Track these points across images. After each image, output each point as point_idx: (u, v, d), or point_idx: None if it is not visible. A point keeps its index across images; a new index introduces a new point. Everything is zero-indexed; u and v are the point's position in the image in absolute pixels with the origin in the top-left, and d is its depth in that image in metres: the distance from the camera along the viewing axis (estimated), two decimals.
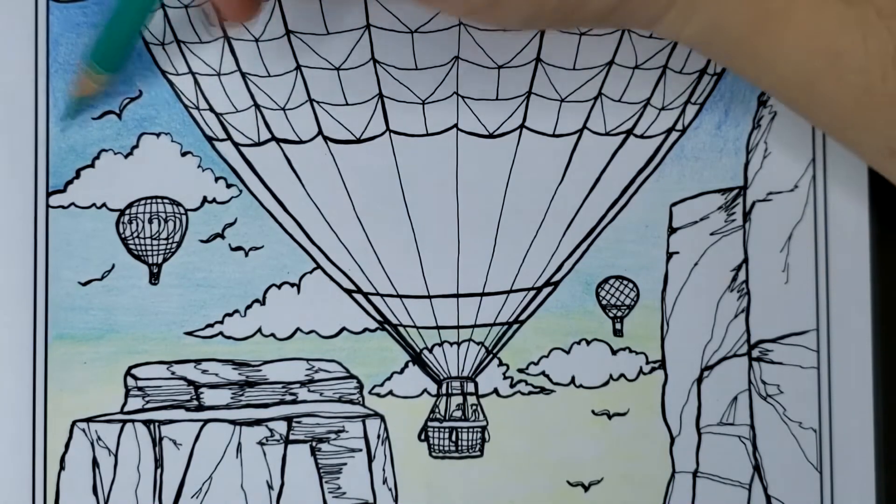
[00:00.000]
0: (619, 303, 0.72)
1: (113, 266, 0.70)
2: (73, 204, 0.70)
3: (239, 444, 0.70)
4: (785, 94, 0.63)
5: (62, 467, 0.69)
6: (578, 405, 0.72)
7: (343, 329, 0.71)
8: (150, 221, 0.70)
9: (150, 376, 0.70)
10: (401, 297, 0.72)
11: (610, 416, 0.72)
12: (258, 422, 0.71)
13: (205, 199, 0.71)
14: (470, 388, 0.72)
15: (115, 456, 0.70)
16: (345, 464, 0.71)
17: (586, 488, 0.72)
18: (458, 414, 0.72)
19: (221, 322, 0.70)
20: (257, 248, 0.71)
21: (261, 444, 0.70)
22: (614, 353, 0.72)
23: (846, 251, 0.73)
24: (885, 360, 0.73)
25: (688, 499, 0.72)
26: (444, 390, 0.72)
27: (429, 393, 0.72)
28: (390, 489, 0.71)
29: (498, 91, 0.71)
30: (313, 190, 0.71)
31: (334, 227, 0.71)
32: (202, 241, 0.71)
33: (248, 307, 0.71)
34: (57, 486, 0.69)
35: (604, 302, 0.72)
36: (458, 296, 0.72)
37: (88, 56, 0.66)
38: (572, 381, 0.72)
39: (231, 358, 0.71)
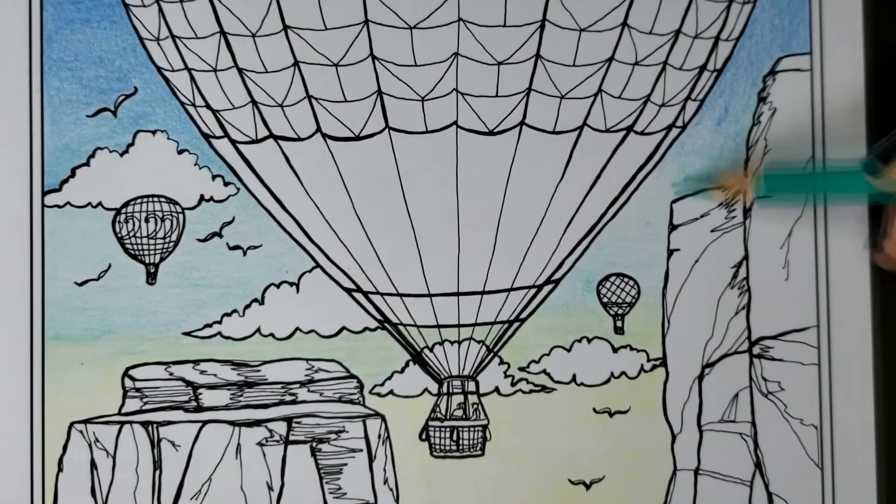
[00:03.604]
0: (620, 300, 0.72)
1: (109, 266, 0.69)
2: (68, 203, 0.69)
3: (238, 444, 0.70)
4: None
5: (60, 469, 0.68)
6: (580, 403, 0.72)
7: (343, 328, 0.71)
8: (147, 220, 0.70)
9: (148, 377, 0.69)
10: (401, 295, 0.71)
11: (611, 414, 0.72)
12: (258, 422, 0.70)
13: (202, 198, 0.70)
14: (471, 386, 0.72)
15: (114, 457, 0.69)
16: (345, 464, 0.70)
17: (588, 486, 0.71)
18: (459, 413, 0.71)
19: (220, 322, 0.70)
20: (256, 247, 0.70)
21: (260, 444, 0.70)
22: (615, 350, 0.72)
23: (846, 248, 0.73)
24: (886, 356, 0.73)
25: (689, 496, 0.72)
26: (444, 389, 0.71)
27: (430, 392, 0.71)
28: (391, 489, 0.71)
29: (498, 88, 0.71)
30: (312, 188, 0.71)
31: (333, 226, 0.71)
32: (200, 240, 0.70)
33: (247, 307, 0.70)
34: (55, 487, 0.68)
35: (605, 299, 0.72)
36: (458, 294, 0.71)
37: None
38: (573, 379, 0.72)
39: (230, 358, 0.70)
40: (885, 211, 0.68)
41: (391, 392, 0.71)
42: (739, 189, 0.70)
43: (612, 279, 0.72)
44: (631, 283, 0.72)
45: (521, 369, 0.72)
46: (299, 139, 0.70)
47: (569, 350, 0.72)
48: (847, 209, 0.73)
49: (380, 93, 0.70)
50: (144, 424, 0.69)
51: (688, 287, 0.73)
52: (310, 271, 0.71)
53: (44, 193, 0.69)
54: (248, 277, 0.70)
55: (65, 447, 0.68)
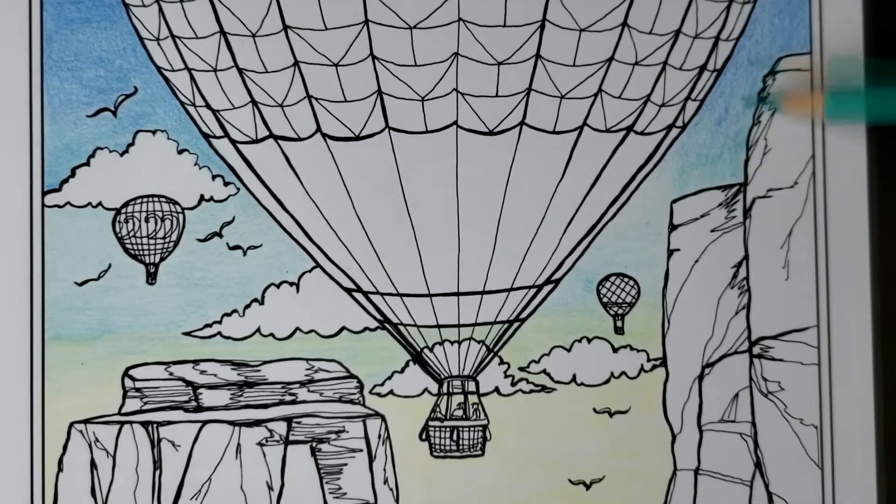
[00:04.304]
0: (620, 300, 0.72)
1: (109, 266, 0.69)
2: (68, 203, 0.69)
3: (238, 444, 0.70)
4: None
5: (60, 469, 0.68)
6: (580, 403, 0.72)
7: (343, 328, 0.71)
8: (147, 220, 0.70)
9: (148, 377, 0.69)
10: (401, 295, 0.71)
11: (611, 414, 0.72)
12: (258, 422, 0.70)
13: (202, 198, 0.70)
14: (471, 386, 0.72)
15: (114, 457, 0.69)
16: (345, 464, 0.70)
17: (588, 486, 0.72)
18: (459, 413, 0.71)
19: (220, 322, 0.70)
20: (256, 247, 0.70)
21: (260, 444, 0.70)
22: (615, 350, 0.72)
23: (846, 247, 0.73)
24: (886, 355, 0.73)
25: (689, 496, 0.72)
26: (445, 389, 0.72)
27: (430, 392, 0.71)
28: (391, 489, 0.71)
29: (498, 87, 0.71)
30: (312, 188, 0.71)
31: (333, 226, 0.71)
32: (200, 240, 0.70)
33: (247, 307, 0.70)
34: (55, 487, 0.68)
35: (605, 299, 0.72)
36: (458, 294, 0.71)
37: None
38: (573, 379, 0.72)
39: (230, 358, 0.70)
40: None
41: (391, 392, 0.71)
42: (810, 107, 0.69)
43: (612, 279, 0.72)
44: (631, 283, 0.72)
45: (521, 369, 0.72)
46: (299, 139, 0.71)
47: (569, 350, 0.72)
48: (847, 211, 0.73)
49: (380, 93, 0.70)
50: (144, 424, 0.69)
51: (688, 287, 0.73)
52: (310, 271, 0.71)
53: (44, 193, 0.69)
54: (248, 277, 0.70)
55: (65, 447, 0.68)
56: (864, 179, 0.73)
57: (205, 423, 0.70)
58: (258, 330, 0.70)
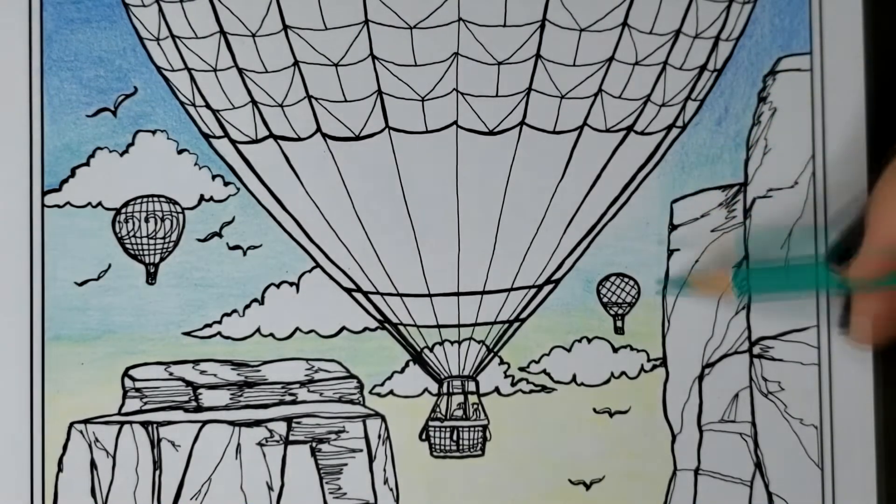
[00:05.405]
0: (620, 300, 0.72)
1: (109, 266, 0.69)
2: (68, 203, 0.69)
3: (238, 445, 0.70)
4: None
5: (60, 469, 0.68)
6: (580, 403, 0.72)
7: (343, 328, 0.71)
8: (147, 220, 0.70)
9: (148, 377, 0.69)
10: (401, 295, 0.71)
11: (611, 414, 0.72)
12: (257, 422, 0.70)
13: (202, 198, 0.70)
14: (471, 386, 0.72)
15: (114, 458, 0.69)
16: (345, 464, 0.70)
17: (588, 486, 0.72)
18: (459, 413, 0.71)
19: (220, 322, 0.70)
20: (256, 247, 0.70)
21: (260, 444, 0.70)
22: (615, 350, 0.72)
23: None
24: (886, 356, 0.73)
25: (689, 496, 0.72)
26: (445, 389, 0.72)
27: (430, 392, 0.71)
28: (391, 489, 0.71)
29: (498, 87, 0.71)
30: (312, 188, 0.71)
31: (333, 226, 0.71)
32: (199, 240, 0.70)
33: (247, 307, 0.70)
34: (55, 487, 0.68)
35: (605, 299, 0.72)
36: (458, 294, 0.71)
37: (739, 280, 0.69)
38: (573, 379, 0.72)
39: (230, 358, 0.70)
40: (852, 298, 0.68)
41: (391, 392, 0.71)
42: (721, 288, 0.70)
43: (613, 279, 0.72)
44: (631, 283, 0.72)
45: (521, 369, 0.72)
46: (299, 139, 0.71)
47: (569, 350, 0.72)
48: (845, 210, 0.73)
49: (380, 93, 0.70)
50: (144, 424, 0.69)
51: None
52: (310, 271, 0.71)
53: (44, 193, 0.69)
54: (248, 277, 0.70)
55: (65, 447, 0.68)
56: (865, 179, 0.73)
57: (205, 423, 0.70)
58: (258, 330, 0.70)
